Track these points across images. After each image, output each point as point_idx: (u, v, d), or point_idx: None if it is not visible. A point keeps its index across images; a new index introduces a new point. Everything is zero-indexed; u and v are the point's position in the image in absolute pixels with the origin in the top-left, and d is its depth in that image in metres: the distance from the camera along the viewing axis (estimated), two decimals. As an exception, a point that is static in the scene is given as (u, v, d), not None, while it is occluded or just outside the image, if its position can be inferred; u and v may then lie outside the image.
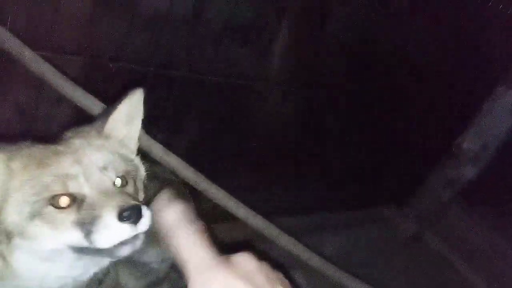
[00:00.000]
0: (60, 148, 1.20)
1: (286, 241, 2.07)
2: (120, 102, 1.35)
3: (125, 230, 1.08)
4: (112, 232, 1.07)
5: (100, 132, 1.30)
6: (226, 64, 2.62)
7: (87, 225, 1.09)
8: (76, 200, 1.11)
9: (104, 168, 1.18)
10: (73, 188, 1.11)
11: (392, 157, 3.35)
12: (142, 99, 1.38)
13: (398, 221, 3.29)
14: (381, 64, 3.31)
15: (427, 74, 3.37)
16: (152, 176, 1.47)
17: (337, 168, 3.17)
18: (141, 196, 1.35)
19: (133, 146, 1.41)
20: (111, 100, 1.73)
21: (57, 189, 1.10)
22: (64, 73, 1.76)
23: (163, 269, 1.90)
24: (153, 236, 1.81)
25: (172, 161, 1.87)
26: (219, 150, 2.82)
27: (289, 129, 3.10)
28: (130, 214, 1.07)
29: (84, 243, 1.10)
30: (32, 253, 1.14)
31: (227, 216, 2.14)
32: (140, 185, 1.35)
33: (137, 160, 1.37)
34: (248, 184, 2.75)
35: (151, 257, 1.83)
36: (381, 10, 3.14)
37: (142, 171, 1.37)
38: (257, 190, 2.81)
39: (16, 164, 1.13)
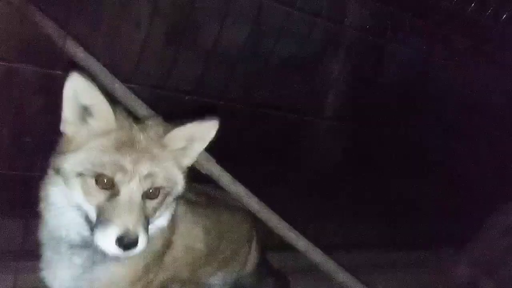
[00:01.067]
0: (136, 137, 1.37)
1: (344, 277, 2.08)
2: (192, 121, 1.45)
3: (115, 250, 1.28)
4: (106, 244, 1.28)
5: (162, 135, 1.42)
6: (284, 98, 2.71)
7: (100, 219, 1.30)
8: (113, 188, 1.32)
9: (146, 177, 1.34)
10: (118, 178, 1.32)
11: (452, 199, 3.29)
12: (215, 128, 1.48)
13: (455, 265, 3.19)
14: (441, 104, 3.30)
15: (488, 115, 3.32)
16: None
17: (394, 206, 3.14)
18: (164, 211, 1.48)
19: (185, 163, 1.50)
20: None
21: (108, 172, 1.31)
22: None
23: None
24: (222, 260, 1.88)
25: (240, 190, 1.94)
26: (274, 182, 2.87)
27: (343, 163, 3.12)
28: (126, 244, 1.27)
29: (93, 221, 1.33)
30: (64, 196, 1.37)
31: (285, 246, 2.18)
32: (169, 201, 1.48)
33: (180, 178, 1.47)
34: (300, 217, 2.78)
35: (216, 279, 1.90)
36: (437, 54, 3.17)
37: (179, 188, 1.47)
38: (310, 223, 2.83)
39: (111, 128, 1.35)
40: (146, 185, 1.34)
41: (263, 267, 2.20)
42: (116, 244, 1.27)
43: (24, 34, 1.82)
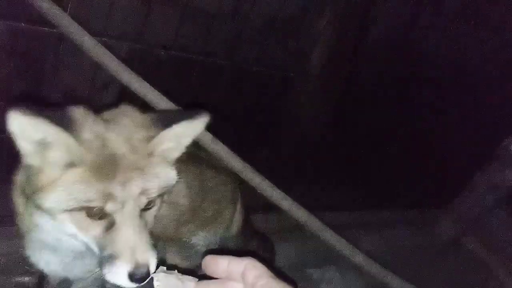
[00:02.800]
0: (115, 153, 1.18)
1: (329, 236, 2.06)
2: (181, 120, 1.28)
3: (129, 284, 1.17)
4: (118, 280, 1.17)
5: (147, 141, 1.25)
6: (268, 56, 2.62)
7: (105, 254, 1.18)
8: (106, 218, 1.18)
9: (140, 195, 1.20)
10: (109, 207, 1.16)
11: (436, 159, 3.28)
12: (206, 123, 1.33)
13: (438, 223, 3.22)
14: (426, 65, 3.24)
15: (475, 75, 3.28)
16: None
17: (379, 166, 3.12)
18: (162, 209, 1.38)
19: (175, 157, 1.36)
20: (160, 85, 1.79)
21: (96, 204, 1.15)
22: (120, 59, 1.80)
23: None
24: (205, 219, 1.85)
25: (220, 149, 1.88)
26: (257, 140, 2.81)
27: (330, 123, 3.07)
28: (139, 278, 1.15)
29: (96, 252, 1.21)
30: (52, 226, 1.22)
31: (269, 207, 2.15)
32: (167, 197, 1.39)
33: (173, 173, 1.32)
34: (285, 178, 2.75)
35: (199, 239, 1.86)
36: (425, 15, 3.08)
37: (173, 182, 1.33)
38: (295, 184, 2.81)
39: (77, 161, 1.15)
40: (142, 203, 1.21)
41: (248, 229, 2.18)
42: (128, 280, 1.16)
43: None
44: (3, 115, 1.06)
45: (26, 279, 1.45)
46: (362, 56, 3.04)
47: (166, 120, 1.28)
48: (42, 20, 1.70)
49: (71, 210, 1.15)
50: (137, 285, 1.16)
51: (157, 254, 1.22)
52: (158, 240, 1.69)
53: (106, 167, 1.15)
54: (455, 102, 3.35)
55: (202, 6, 2.19)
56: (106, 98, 2.30)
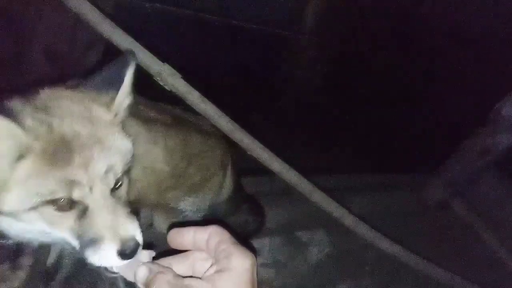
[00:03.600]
0: (69, 131, 1.08)
1: (319, 198, 2.03)
2: (124, 71, 1.21)
3: (121, 262, 1.08)
4: (108, 261, 1.08)
5: (109, 107, 1.19)
6: (263, 12, 2.54)
7: (85, 240, 1.09)
8: (77, 206, 1.09)
9: (106, 172, 1.11)
10: (76, 195, 1.07)
11: (427, 123, 3.26)
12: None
13: (427, 187, 3.22)
14: (420, 27, 3.17)
15: (465, 39, 3.22)
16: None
17: (369, 130, 3.09)
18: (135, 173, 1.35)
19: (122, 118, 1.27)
20: (144, 40, 1.69)
21: (61, 195, 1.06)
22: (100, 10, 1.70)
23: (196, 219, 1.90)
24: (191, 185, 1.81)
25: (209, 109, 1.81)
26: (249, 101, 2.75)
27: (322, 86, 3.01)
28: (130, 252, 1.06)
29: (75, 246, 1.12)
30: (19, 228, 1.13)
31: (259, 169, 2.11)
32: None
33: (130, 143, 1.23)
34: (276, 140, 2.70)
35: (187, 205, 1.83)
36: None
37: (132, 154, 1.24)
38: (286, 147, 2.76)
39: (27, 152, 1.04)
40: (110, 182, 1.12)
41: (238, 193, 2.15)
42: (119, 258, 1.07)
43: None
44: None
45: (4, 241, 1.39)
46: (358, 17, 2.95)
47: (107, 81, 1.21)
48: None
49: (36, 207, 1.06)
50: (130, 259, 1.07)
51: (141, 220, 1.17)
52: (140, 206, 1.66)
53: (60, 152, 1.05)
54: (447, 66, 3.31)
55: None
56: (90, 57, 2.21)
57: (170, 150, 1.66)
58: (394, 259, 2.10)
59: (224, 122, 1.82)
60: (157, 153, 1.62)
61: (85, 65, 2.22)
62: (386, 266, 2.39)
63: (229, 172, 2.03)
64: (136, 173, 1.48)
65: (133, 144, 1.24)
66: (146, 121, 1.59)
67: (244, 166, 2.31)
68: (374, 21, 3.05)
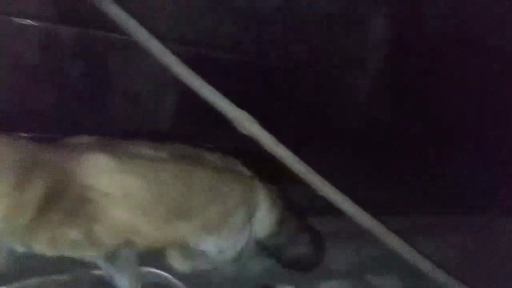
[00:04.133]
0: None
1: (393, 241, 1.98)
2: None
3: None
4: None
5: None
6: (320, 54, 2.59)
7: None
8: None
9: None
10: None
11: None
12: None
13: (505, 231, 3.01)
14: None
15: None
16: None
17: (442, 166, 2.97)
18: None
19: None
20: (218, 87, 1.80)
21: None
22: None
23: (217, 261, 1.88)
24: (207, 220, 1.80)
25: (280, 151, 1.86)
26: (311, 139, 2.75)
27: (387, 121, 2.97)
28: None
29: None
30: None
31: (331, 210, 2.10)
32: None
33: None
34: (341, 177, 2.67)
35: (209, 245, 1.82)
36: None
37: None
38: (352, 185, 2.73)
39: None
40: None
41: (289, 228, 2.08)
42: None
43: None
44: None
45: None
46: (420, 49, 2.92)
47: None
48: (109, 25, 1.75)
49: None
50: None
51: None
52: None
53: None
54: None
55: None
56: (167, 98, 2.34)
57: (163, 182, 1.67)
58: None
59: (297, 165, 1.87)
60: (139, 183, 1.63)
61: (161, 106, 2.36)
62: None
63: (266, 207, 1.98)
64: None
65: None
66: (133, 157, 1.65)
67: (307, 205, 2.30)
68: (437, 55, 3.00)
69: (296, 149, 1.96)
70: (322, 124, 2.78)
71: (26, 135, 1.86)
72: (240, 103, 1.77)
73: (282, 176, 1.98)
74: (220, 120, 1.82)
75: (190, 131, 2.31)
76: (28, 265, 1.75)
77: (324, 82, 2.75)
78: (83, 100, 2.08)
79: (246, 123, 1.75)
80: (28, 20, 1.76)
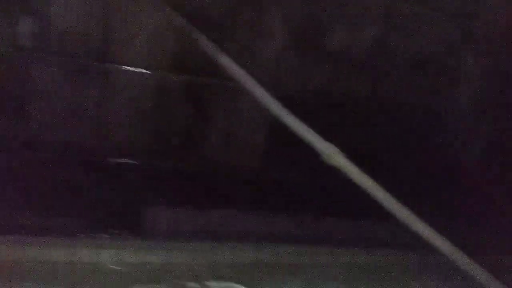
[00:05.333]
0: None
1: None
2: None
3: None
4: None
5: None
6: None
7: None
8: None
9: None
10: None
11: None
12: None
13: None
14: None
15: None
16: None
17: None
18: None
19: None
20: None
21: None
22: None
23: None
24: None
25: (365, 181, 1.94)
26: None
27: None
28: None
29: None
30: None
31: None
32: None
33: None
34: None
35: None
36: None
37: None
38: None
39: None
40: None
41: None
42: None
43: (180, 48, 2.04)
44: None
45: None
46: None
47: None
48: (216, 72, 2.00)
49: None
50: None
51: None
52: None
53: None
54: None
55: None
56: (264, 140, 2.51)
57: None
58: None
59: (381, 195, 1.93)
60: None
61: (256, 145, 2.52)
62: None
63: None
64: None
65: None
66: None
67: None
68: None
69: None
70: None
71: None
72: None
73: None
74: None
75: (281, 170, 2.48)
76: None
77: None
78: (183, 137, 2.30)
79: (333, 155, 1.88)
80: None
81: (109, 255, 2.11)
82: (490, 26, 2.78)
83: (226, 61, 1.90)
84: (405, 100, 2.55)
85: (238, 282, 2.11)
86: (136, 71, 2.11)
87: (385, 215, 1.97)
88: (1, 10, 1.89)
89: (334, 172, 1.97)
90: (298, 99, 2.28)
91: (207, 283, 2.05)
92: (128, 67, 2.05)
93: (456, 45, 2.75)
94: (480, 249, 2.36)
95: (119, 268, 2.08)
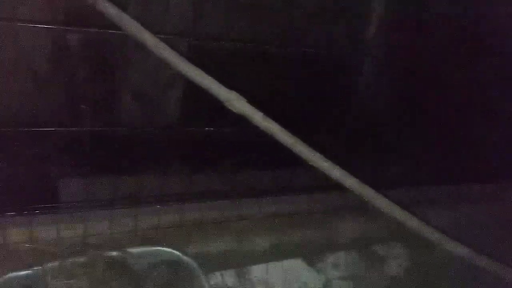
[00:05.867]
0: None
1: (397, 213, 2.03)
2: None
3: None
4: None
5: None
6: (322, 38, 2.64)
7: None
8: None
9: None
10: None
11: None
12: None
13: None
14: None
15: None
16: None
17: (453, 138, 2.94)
18: None
19: None
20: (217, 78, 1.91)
21: None
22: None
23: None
24: None
25: (271, 127, 1.96)
26: (320, 122, 2.80)
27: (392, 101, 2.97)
28: None
29: None
30: None
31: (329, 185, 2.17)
32: None
33: None
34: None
35: None
36: None
37: None
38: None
39: None
40: None
41: None
42: None
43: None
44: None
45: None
46: (425, 30, 2.91)
47: None
48: (109, 24, 1.89)
49: None
50: None
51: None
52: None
53: None
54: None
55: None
56: (171, 95, 2.47)
57: None
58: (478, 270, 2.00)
59: (286, 137, 1.96)
60: None
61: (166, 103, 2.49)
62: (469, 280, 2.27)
63: None
64: None
65: None
66: None
67: (314, 183, 2.38)
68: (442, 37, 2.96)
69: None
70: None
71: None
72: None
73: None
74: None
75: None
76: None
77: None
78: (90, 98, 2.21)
79: (235, 102, 1.86)
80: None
81: (22, 233, 2.02)
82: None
83: (115, 11, 1.80)
84: (309, 48, 2.56)
85: (162, 245, 2.09)
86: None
87: (297, 160, 2.02)
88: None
89: (244, 122, 1.97)
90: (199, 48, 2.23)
91: (130, 249, 2.01)
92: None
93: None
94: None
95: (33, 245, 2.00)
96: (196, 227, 2.32)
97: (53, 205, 2.18)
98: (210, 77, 1.92)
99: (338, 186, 2.12)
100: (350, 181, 1.98)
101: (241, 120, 1.98)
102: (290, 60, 2.57)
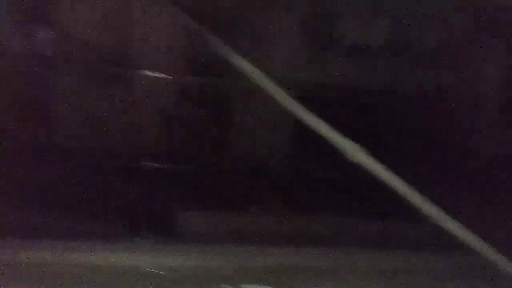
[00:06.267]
0: None
1: None
2: None
3: None
4: None
5: None
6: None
7: None
8: None
9: None
10: None
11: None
12: None
13: None
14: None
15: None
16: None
17: None
18: None
19: None
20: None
21: None
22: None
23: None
24: None
25: (388, 177, 1.89)
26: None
27: None
28: None
29: None
30: None
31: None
32: None
33: None
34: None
35: None
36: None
37: None
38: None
39: None
40: None
41: None
42: None
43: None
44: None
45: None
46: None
47: None
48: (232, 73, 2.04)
49: None
50: None
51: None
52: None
53: None
54: None
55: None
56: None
57: None
58: None
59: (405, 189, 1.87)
60: None
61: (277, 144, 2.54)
62: None
63: None
64: None
65: None
66: None
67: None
68: None
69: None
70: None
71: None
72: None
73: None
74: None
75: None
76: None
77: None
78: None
79: (354, 152, 1.87)
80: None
81: (145, 259, 2.20)
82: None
83: (239, 61, 1.93)
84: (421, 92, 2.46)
85: (273, 285, 2.11)
86: (156, 76, 2.17)
87: (413, 214, 1.91)
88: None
89: (359, 170, 1.94)
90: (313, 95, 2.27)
91: (243, 285, 2.07)
92: (148, 73, 2.10)
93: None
94: None
95: (156, 271, 2.16)
96: (305, 271, 2.30)
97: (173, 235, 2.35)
98: (328, 126, 1.95)
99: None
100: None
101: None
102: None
